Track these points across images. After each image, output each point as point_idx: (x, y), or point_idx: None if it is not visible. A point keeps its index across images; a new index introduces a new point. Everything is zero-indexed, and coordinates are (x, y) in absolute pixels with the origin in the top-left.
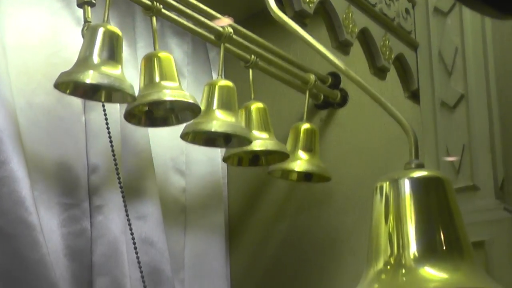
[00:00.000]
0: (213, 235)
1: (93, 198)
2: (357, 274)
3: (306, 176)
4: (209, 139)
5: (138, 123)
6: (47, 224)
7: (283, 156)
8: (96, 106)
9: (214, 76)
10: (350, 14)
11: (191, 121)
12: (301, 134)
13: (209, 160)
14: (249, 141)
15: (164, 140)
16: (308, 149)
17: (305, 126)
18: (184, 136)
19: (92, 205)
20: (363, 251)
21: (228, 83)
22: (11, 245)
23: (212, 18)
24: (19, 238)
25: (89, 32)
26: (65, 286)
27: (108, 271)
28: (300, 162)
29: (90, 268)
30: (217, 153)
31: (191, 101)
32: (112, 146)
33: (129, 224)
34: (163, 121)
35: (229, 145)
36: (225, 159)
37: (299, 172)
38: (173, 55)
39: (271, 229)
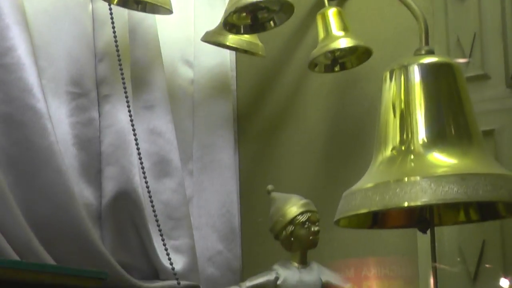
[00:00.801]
0: (221, 127)
1: (100, 87)
2: (366, 165)
3: (334, 63)
4: (250, 25)
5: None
6: (55, 113)
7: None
8: None
9: None
10: None
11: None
12: (333, 17)
13: (218, 52)
14: (292, 7)
15: (172, 31)
16: (344, 28)
17: (332, 9)
18: (226, 24)
19: (100, 94)
20: (373, 142)
21: None
22: (20, 131)
23: None
24: (27, 125)
25: None
26: (74, 174)
27: (116, 160)
28: (344, 39)
29: (99, 158)
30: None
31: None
32: (115, 34)
33: (130, 116)
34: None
35: (276, 20)
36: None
37: (344, 50)
38: None
39: (280, 122)
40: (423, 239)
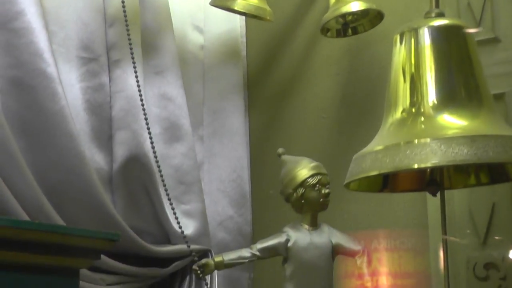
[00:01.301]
0: (231, 92)
1: (111, 52)
2: (377, 129)
3: (346, 28)
4: None
5: None
6: (66, 78)
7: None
8: None
9: None
10: None
11: None
12: None
13: (228, 18)
14: None
15: None
16: None
17: None
18: None
19: (110, 59)
20: (383, 106)
21: None
22: (31, 96)
23: None
24: (38, 89)
25: None
26: (85, 139)
27: (127, 125)
28: (355, 2)
29: (110, 123)
30: None
31: None
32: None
33: (137, 81)
34: None
35: None
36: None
37: (355, 14)
38: None
39: (290, 87)
40: (433, 204)
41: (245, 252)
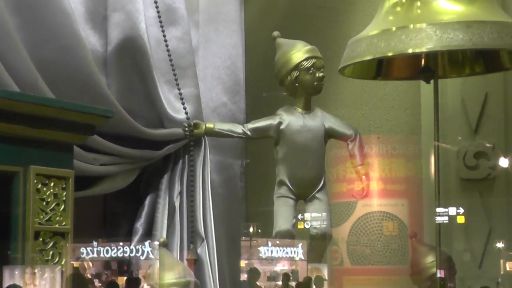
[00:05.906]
0: None
1: None
2: (371, 16)
3: None
4: None
5: None
6: None
7: None
8: None
9: None
10: None
11: None
12: None
13: None
14: None
15: None
16: None
17: None
18: None
19: None
20: None
21: None
22: None
23: None
24: None
25: None
26: (80, 20)
27: (122, 7)
28: None
29: (105, 4)
30: None
31: None
32: None
33: None
34: None
35: None
36: None
37: None
38: None
39: None
40: (426, 92)
41: (237, 128)
